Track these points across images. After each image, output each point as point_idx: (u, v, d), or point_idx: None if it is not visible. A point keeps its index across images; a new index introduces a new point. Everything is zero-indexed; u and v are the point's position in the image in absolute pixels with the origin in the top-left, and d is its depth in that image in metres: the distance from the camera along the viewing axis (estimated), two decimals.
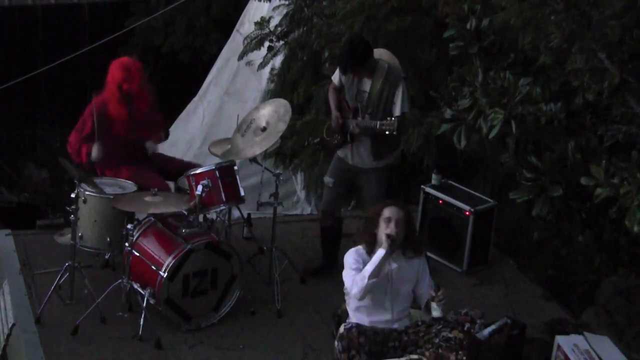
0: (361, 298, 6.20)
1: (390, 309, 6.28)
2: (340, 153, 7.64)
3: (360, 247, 6.34)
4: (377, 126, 7.20)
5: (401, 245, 6.30)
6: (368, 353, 6.12)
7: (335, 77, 7.56)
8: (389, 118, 7.18)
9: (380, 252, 6.16)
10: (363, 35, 7.60)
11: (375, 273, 6.13)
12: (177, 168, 7.77)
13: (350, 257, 6.31)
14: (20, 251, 7.91)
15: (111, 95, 7.44)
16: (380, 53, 7.52)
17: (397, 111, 7.34)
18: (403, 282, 6.34)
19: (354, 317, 6.35)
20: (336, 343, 6.19)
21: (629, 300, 7.74)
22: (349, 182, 7.70)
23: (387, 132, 7.15)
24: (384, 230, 6.24)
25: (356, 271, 6.19)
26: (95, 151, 7.43)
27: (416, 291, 6.41)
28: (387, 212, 6.28)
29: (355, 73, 7.35)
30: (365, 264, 6.20)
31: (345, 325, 6.22)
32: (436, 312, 6.20)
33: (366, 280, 6.11)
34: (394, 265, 6.25)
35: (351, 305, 6.37)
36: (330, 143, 7.67)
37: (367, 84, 7.39)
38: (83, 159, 7.48)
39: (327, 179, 7.75)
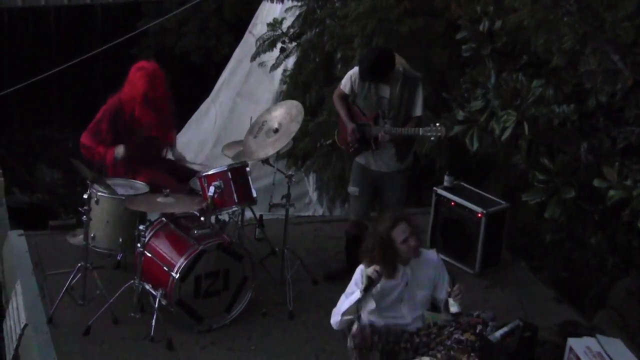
0: (337, 328, 6.25)
1: (408, 314, 6.30)
2: (360, 160, 7.58)
3: (363, 268, 6.26)
4: (421, 133, 7.17)
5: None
6: (380, 351, 6.14)
7: (346, 85, 7.48)
8: (433, 124, 7.13)
9: (356, 295, 6.10)
10: (389, 50, 7.45)
11: (350, 311, 6.13)
12: (187, 171, 7.77)
13: (353, 279, 6.27)
14: (33, 252, 7.93)
15: (136, 101, 7.46)
16: None
17: (418, 111, 7.35)
18: (419, 289, 6.32)
19: (367, 319, 6.34)
20: (349, 340, 6.19)
21: None
22: (374, 187, 7.64)
23: (432, 139, 7.13)
24: (405, 250, 6.16)
25: (347, 296, 6.20)
26: (120, 151, 7.47)
27: (436, 297, 6.38)
28: (399, 234, 6.17)
29: (374, 83, 7.34)
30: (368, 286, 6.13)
31: (359, 324, 6.21)
32: (454, 308, 6.16)
33: (339, 317, 6.17)
34: (408, 276, 6.23)
35: (367, 308, 6.35)
36: (346, 151, 7.64)
37: (385, 90, 7.35)
38: (107, 161, 7.52)
39: (352, 189, 7.66)
